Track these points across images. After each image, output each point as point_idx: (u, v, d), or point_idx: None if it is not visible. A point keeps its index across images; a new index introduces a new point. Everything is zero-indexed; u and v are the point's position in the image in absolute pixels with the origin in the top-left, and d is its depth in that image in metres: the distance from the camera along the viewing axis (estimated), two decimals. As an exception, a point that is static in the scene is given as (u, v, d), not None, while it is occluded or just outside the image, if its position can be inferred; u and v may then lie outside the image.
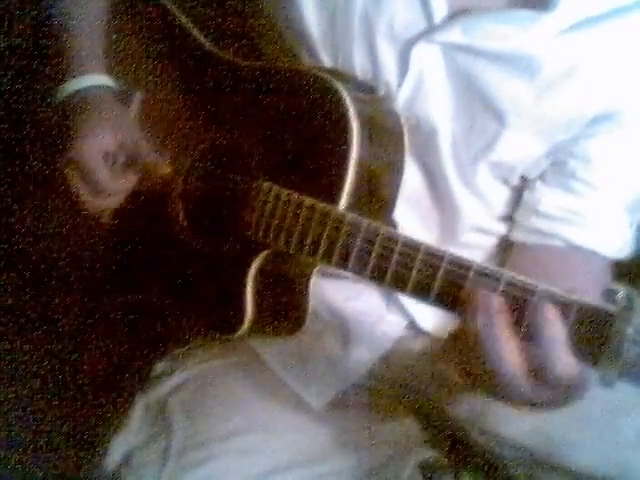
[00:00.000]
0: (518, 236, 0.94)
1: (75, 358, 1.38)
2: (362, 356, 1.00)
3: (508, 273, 0.69)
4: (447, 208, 0.95)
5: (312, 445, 0.97)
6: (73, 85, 0.95)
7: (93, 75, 0.96)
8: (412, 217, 0.91)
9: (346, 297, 0.98)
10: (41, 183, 1.07)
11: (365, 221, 0.77)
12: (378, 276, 0.76)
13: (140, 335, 1.20)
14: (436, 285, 0.72)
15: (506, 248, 0.96)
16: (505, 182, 0.94)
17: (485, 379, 0.70)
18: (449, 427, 1.00)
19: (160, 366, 1.06)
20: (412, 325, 1.00)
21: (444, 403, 0.99)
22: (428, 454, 1.03)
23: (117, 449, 0.96)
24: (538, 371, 0.67)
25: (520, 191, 0.95)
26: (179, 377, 1.02)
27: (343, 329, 1.00)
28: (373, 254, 0.76)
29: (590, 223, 0.89)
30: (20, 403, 1.38)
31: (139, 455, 0.94)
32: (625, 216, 0.90)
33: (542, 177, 0.92)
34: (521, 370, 0.67)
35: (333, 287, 0.93)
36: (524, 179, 0.94)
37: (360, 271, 0.77)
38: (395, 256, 0.75)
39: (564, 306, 0.66)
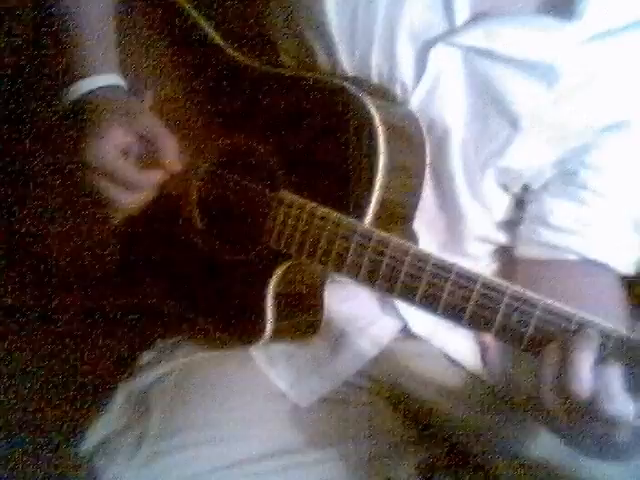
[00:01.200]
0: (524, 250, 0.93)
1: (75, 358, 1.38)
2: (351, 358, 0.99)
3: (544, 301, 0.70)
4: (452, 215, 0.94)
5: (296, 436, 0.97)
6: (84, 86, 0.93)
7: (104, 75, 0.95)
8: (418, 224, 0.91)
9: (340, 299, 0.98)
10: (53, 184, 1.06)
11: (393, 239, 0.77)
12: (408, 294, 0.76)
13: (141, 331, 1.20)
14: (497, 320, 0.72)
15: (510, 264, 0.96)
16: (507, 189, 0.93)
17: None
18: (446, 431, 1.00)
19: (147, 356, 1.06)
20: (405, 329, 1.00)
21: (440, 408, 0.99)
22: (427, 455, 1.03)
23: (94, 435, 0.95)
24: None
25: (520, 200, 0.94)
26: (164, 368, 1.02)
27: (334, 331, 0.99)
28: (402, 273, 0.76)
29: (601, 235, 0.88)
30: (20, 403, 1.38)
31: (115, 441, 0.94)
32: (633, 232, 0.90)
33: (548, 189, 0.91)
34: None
35: (327, 289, 0.93)
36: (526, 188, 0.93)
37: (389, 289, 0.78)
38: (426, 276, 0.74)
39: (601, 335, 0.67)
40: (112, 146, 0.89)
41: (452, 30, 0.86)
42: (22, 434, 1.35)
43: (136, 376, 1.02)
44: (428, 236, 0.94)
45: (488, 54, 0.85)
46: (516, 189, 0.93)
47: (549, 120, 0.86)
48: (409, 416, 1.03)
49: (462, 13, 0.86)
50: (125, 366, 1.08)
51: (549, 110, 0.85)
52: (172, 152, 0.91)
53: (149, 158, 0.91)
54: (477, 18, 0.86)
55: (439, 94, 0.88)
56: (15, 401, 1.39)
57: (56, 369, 1.39)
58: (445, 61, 0.87)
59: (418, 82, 0.88)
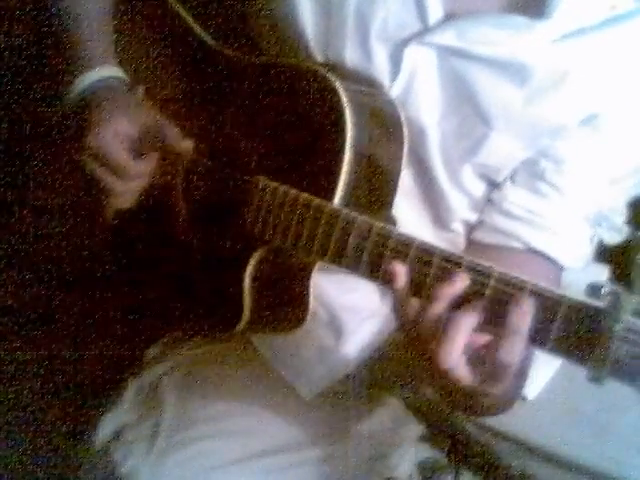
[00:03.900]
0: (477, 234, 0.93)
1: (75, 358, 1.38)
2: (354, 350, 0.99)
3: (498, 269, 0.69)
4: (436, 202, 0.94)
5: (303, 430, 0.98)
6: (90, 77, 0.95)
7: (107, 66, 0.96)
8: (405, 209, 0.91)
9: (341, 291, 0.98)
10: (53, 181, 1.07)
11: (359, 217, 0.77)
12: (372, 274, 0.76)
13: (140, 331, 1.21)
14: (427, 282, 0.72)
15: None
16: (490, 181, 0.93)
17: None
18: (446, 423, 1.00)
19: (153, 350, 1.07)
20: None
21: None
22: (428, 454, 1.03)
23: (106, 426, 0.97)
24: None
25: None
26: (172, 361, 1.03)
27: (336, 323, 0.99)
28: (366, 251, 0.76)
29: (551, 227, 0.87)
30: (20, 403, 1.39)
31: (129, 432, 0.96)
32: (587, 228, 0.89)
33: (512, 176, 0.90)
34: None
35: (328, 281, 0.93)
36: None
37: (354, 268, 0.77)
38: (388, 253, 0.74)
39: (553, 302, 0.66)
40: (112, 134, 0.90)
41: (425, 29, 0.87)
42: (22, 434, 1.35)
43: (144, 371, 1.04)
44: (416, 222, 0.94)
45: (461, 53, 0.86)
46: (499, 180, 0.92)
47: (521, 119, 0.86)
48: (411, 411, 1.03)
49: (435, 12, 0.87)
50: (122, 366, 1.08)
51: (521, 109, 0.85)
52: (171, 139, 0.91)
53: (144, 148, 0.92)
54: (450, 17, 0.87)
55: (415, 92, 0.88)
56: (15, 401, 1.39)
57: (56, 369, 1.39)
58: (419, 60, 0.87)
59: (394, 81, 0.89)
